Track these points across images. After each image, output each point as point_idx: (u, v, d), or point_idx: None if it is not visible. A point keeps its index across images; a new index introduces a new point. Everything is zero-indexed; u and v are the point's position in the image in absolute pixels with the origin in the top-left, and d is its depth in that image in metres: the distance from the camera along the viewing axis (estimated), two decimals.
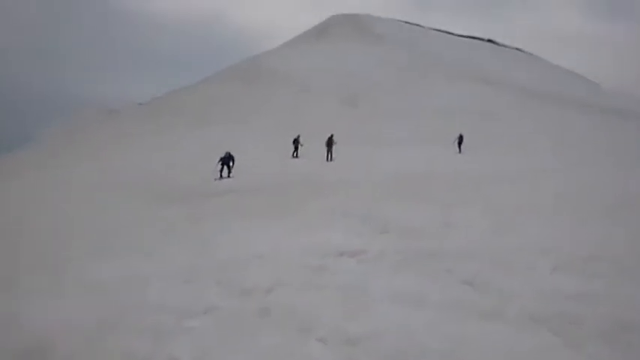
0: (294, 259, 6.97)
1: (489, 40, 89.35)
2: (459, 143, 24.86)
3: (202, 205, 13.06)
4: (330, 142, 22.55)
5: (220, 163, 19.09)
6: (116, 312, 5.30)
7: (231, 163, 19.15)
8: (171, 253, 7.67)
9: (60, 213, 13.18)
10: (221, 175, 18.92)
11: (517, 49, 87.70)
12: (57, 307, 5.52)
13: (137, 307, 5.42)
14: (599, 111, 43.32)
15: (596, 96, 57.18)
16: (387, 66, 50.55)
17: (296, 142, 24.02)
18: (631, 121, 39.22)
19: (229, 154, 19.21)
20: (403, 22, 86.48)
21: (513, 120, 34.49)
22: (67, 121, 45.12)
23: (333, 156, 22.42)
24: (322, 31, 73.64)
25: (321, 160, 22.21)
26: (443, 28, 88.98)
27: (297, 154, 23.85)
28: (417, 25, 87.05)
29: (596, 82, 77.73)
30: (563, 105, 43.77)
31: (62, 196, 16.37)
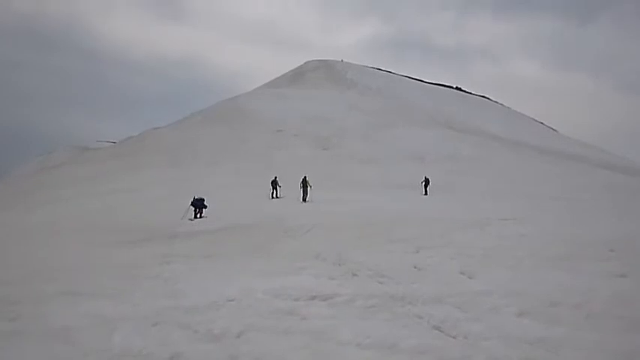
0: (265, 303, 6.92)
1: (457, 88, 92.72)
2: (425, 185, 25.58)
3: (173, 246, 12.85)
4: (304, 184, 22.91)
5: (192, 206, 18.93)
6: (81, 358, 5.13)
7: (203, 208, 19.00)
8: (139, 296, 7.49)
9: (25, 255, 12.77)
10: (195, 216, 18.73)
11: (483, 96, 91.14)
12: (20, 353, 5.31)
13: (102, 352, 5.26)
14: (559, 156, 45.12)
15: (555, 142, 59.60)
16: (359, 110, 51.72)
17: (274, 183, 24.32)
18: (586, 165, 40.98)
19: (201, 199, 19.06)
20: (375, 68, 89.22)
21: (479, 165, 35.51)
22: (41, 160, 44.25)
23: (307, 198, 22.67)
24: (297, 75, 75.32)
25: (295, 201, 22.34)
26: (413, 76, 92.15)
27: (275, 195, 24.09)
28: (388, 72, 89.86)
29: (555, 128, 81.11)
30: (526, 150, 45.42)
31: (29, 237, 15.90)
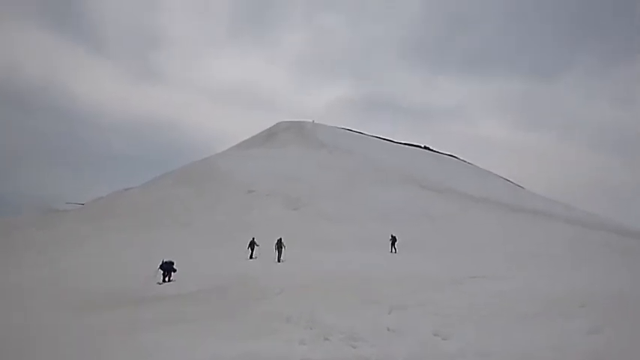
0: None
1: (426, 147, 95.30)
2: (393, 243, 25.81)
3: (140, 311, 12.38)
4: (279, 245, 23.19)
5: (161, 269, 18.47)
6: None
7: (172, 272, 18.55)
8: None
9: None
10: (163, 280, 18.21)
11: (451, 155, 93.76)
12: None
13: None
14: (529, 213, 46.14)
15: (524, 199, 61.11)
16: (329, 170, 52.32)
17: (252, 244, 24.43)
18: (556, 221, 41.94)
19: (170, 262, 18.66)
20: (345, 129, 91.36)
21: (451, 222, 35.96)
22: (6, 222, 42.59)
23: (282, 258, 22.83)
24: (269, 135, 76.36)
25: (270, 261, 22.26)
26: (383, 136, 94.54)
27: (252, 256, 24.09)
28: (358, 132, 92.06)
29: (522, 185, 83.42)
30: (496, 208, 46.36)
31: None
